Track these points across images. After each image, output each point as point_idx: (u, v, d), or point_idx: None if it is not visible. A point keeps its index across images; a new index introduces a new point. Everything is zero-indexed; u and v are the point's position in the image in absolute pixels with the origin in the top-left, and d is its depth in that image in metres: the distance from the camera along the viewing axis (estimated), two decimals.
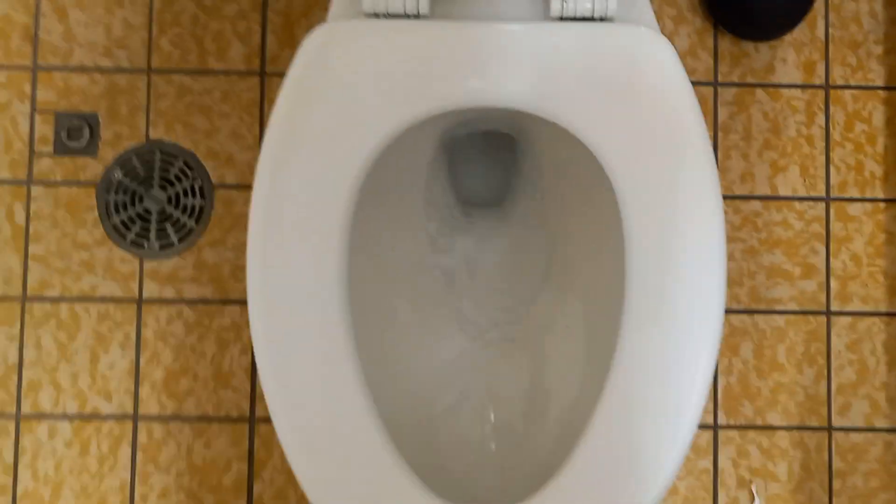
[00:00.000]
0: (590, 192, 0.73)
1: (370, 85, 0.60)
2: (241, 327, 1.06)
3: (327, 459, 0.58)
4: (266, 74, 1.09)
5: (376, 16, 0.61)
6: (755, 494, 1.03)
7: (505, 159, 0.86)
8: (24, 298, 1.06)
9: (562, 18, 0.61)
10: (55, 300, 1.06)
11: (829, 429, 1.04)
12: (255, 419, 1.04)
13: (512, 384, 0.76)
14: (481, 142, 0.84)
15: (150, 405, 1.05)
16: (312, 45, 0.60)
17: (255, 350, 0.60)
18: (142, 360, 1.05)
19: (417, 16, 0.61)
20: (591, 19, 0.61)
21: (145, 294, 1.06)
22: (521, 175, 0.86)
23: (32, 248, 1.06)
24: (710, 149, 0.60)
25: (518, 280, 0.82)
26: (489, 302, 0.79)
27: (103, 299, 1.06)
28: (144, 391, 1.05)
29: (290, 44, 1.09)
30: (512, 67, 0.60)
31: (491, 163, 0.86)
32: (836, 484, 1.03)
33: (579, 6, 0.60)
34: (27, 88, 1.08)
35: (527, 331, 0.77)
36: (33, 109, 1.08)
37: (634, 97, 0.60)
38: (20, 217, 1.07)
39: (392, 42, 0.60)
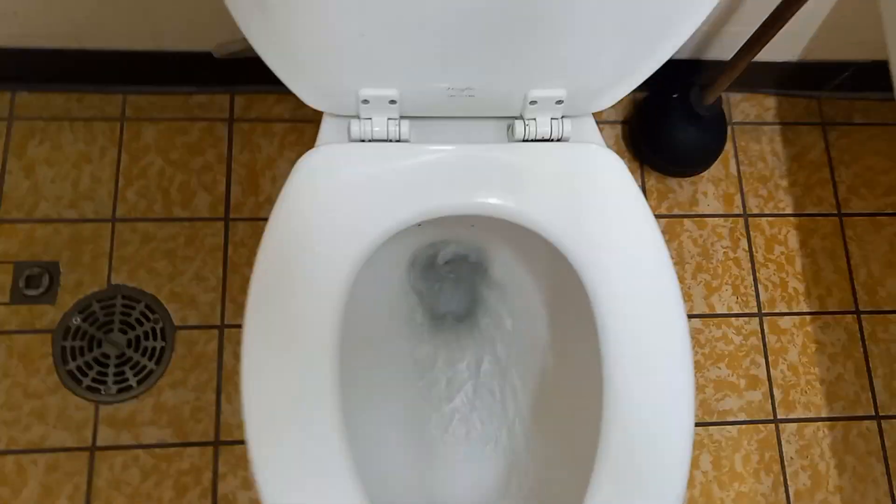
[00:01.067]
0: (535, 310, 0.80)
1: (357, 199, 0.66)
2: (201, 470, 1.03)
3: None
4: (230, 220, 1.14)
5: (362, 141, 0.68)
6: None
7: (466, 283, 0.92)
8: None
9: (524, 140, 0.70)
10: (0, 453, 1.01)
11: None
12: None
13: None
14: (446, 269, 0.90)
15: None
16: (304, 166, 0.66)
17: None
18: None
19: (398, 140, 0.68)
20: (550, 140, 0.70)
21: (99, 441, 1.03)
22: (480, 295, 0.91)
23: None
24: (665, 247, 0.68)
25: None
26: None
27: (53, 449, 1.02)
28: None
29: (254, 192, 1.15)
30: (484, 180, 0.68)
31: (454, 286, 0.91)
32: None
33: (540, 129, 0.69)
34: None
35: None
36: None
37: (593, 198, 0.68)
38: None
39: (377, 163, 0.67)
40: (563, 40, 0.59)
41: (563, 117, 0.69)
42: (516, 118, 0.70)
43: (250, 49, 0.89)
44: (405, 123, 0.68)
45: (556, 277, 0.78)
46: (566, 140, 0.70)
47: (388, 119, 0.67)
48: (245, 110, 1.19)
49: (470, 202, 0.68)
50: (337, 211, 0.65)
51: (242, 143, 1.17)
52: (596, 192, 0.68)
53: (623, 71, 0.65)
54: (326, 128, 0.70)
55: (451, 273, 0.88)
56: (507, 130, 0.72)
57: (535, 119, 0.69)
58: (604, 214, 0.67)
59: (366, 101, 0.66)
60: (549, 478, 0.78)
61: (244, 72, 1.16)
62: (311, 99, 0.67)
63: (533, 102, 0.67)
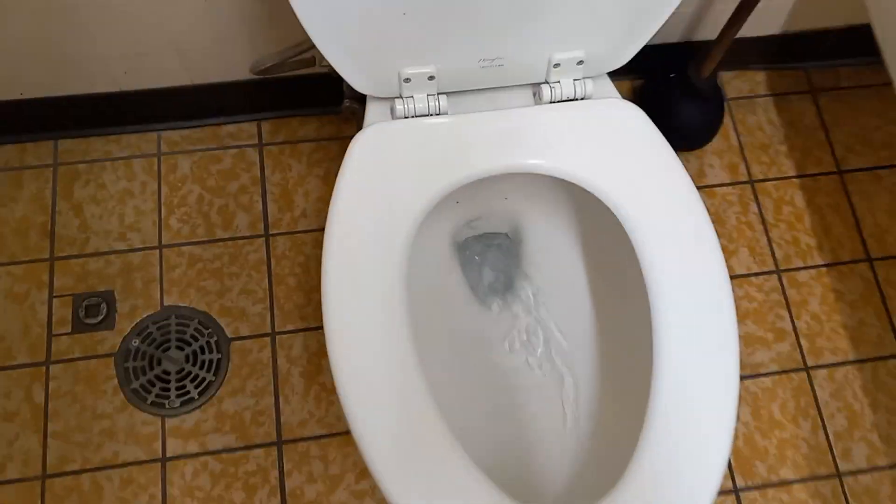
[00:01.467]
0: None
1: (408, 167, 0.73)
2: (268, 469, 1.07)
3: (401, 457, 0.63)
4: (270, 236, 1.21)
5: (405, 118, 0.76)
6: None
7: (506, 257, 0.98)
8: (44, 476, 1.05)
9: (552, 102, 0.78)
10: (76, 473, 1.06)
11: (839, 475, 1.10)
12: None
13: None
14: (485, 244, 0.96)
15: None
16: (358, 144, 0.73)
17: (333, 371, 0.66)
18: None
19: (438, 114, 0.76)
20: (574, 100, 0.78)
21: (168, 452, 1.08)
22: (520, 268, 0.97)
23: (52, 426, 1.08)
24: (696, 191, 0.75)
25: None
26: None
27: (126, 464, 1.07)
28: None
29: (290, 208, 1.22)
30: (521, 141, 0.75)
31: (494, 260, 0.97)
32: None
33: (565, 91, 0.77)
34: (45, 277, 1.16)
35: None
36: (51, 296, 1.15)
37: (621, 146, 0.75)
38: (39, 398, 1.10)
39: (421, 135, 0.75)
40: (580, 2, 0.67)
41: (584, 78, 0.77)
42: (541, 83, 0.78)
43: (284, 64, 0.97)
44: (443, 98, 0.76)
45: (592, 237, 0.85)
46: (590, 95, 0.78)
47: (428, 95, 0.75)
48: (272, 135, 1.27)
49: (510, 162, 0.75)
50: (392, 179, 0.72)
51: (273, 164, 1.25)
52: (623, 140, 0.75)
53: (635, 26, 0.73)
54: (372, 110, 0.77)
55: (490, 248, 0.95)
56: (534, 96, 0.80)
57: (559, 82, 0.76)
58: (633, 159, 0.75)
59: (407, 80, 0.74)
60: (603, 423, 0.83)
61: (269, 99, 1.24)
62: (359, 83, 0.74)
63: (556, 65, 0.75)
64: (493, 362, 0.87)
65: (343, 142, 1.18)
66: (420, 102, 0.75)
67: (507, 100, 0.79)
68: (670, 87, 1.21)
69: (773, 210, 1.24)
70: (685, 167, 1.24)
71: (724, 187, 1.25)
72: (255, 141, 1.26)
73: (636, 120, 0.77)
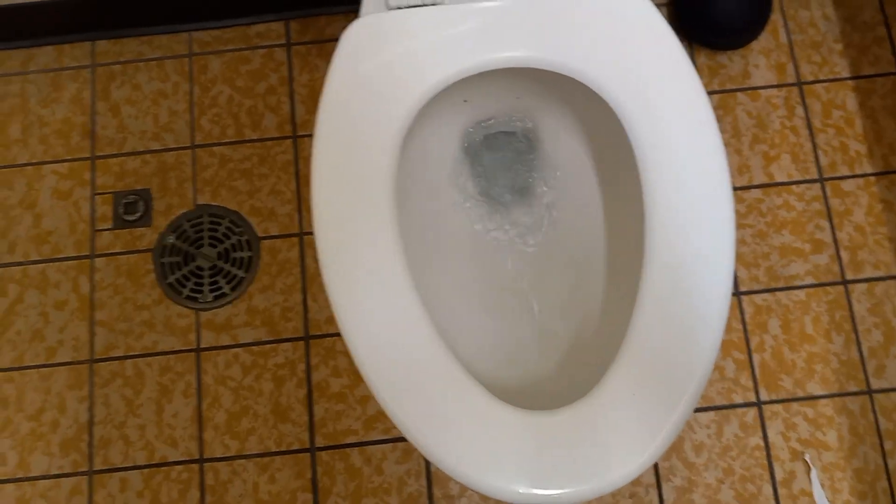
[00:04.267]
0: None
1: (402, 61, 0.71)
2: (295, 363, 1.12)
3: (395, 368, 0.64)
4: (297, 137, 1.21)
5: (399, 8, 0.74)
6: (810, 465, 1.05)
7: (520, 157, 0.96)
8: (92, 361, 1.13)
9: None
10: (120, 359, 1.13)
11: (870, 392, 1.07)
12: (315, 449, 1.08)
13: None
14: (498, 142, 0.94)
15: (214, 448, 1.09)
16: (350, 35, 0.72)
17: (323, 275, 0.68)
18: (203, 406, 1.11)
19: (434, 3, 0.73)
20: None
21: (203, 343, 1.13)
22: (532, 163, 0.95)
23: (98, 315, 1.15)
24: (697, 77, 0.71)
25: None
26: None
27: (164, 352, 1.13)
28: (208, 435, 1.09)
29: (316, 107, 1.22)
30: (521, 33, 0.72)
31: (508, 161, 0.96)
32: (888, 445, 1.05)
33: None
34: (87, 176, 1.21)
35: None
36: (93, 193, 1.20)
37: (624, 38, 0.71)
38: (85, 288, 1.16)
39: (415, 27, 0.72)
40: None
41: None
42: None
43: None
44: None
45: (602, 133, 0.82)
46: None
47: None
48: (300, 34, 1.25)
49: (506, 55, 0.72)
50: (383, 72, 0.71)
51: (301, 64, 1.24)
52: (625, 30, 0.71)
53: None
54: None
55: (503, 148, 0.93)
56: None
57: None
58: (635, 51, 0.71)
59: None
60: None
61: None
62: None
63: None
64: (499, 257, 0.87)
65: None
66: None
67: None
68: None
69: (822, 114, 1.17)
70: (728, 67, 1.18)
71: (769, 89, 1.18)
72: (283, 41, 1.25)
73: (642, 9, 0.72)
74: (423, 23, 0.73)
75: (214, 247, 1.17)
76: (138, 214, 1.19)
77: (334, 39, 1.24)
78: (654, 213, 0.69)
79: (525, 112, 0.88)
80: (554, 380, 0.80)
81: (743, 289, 1.12)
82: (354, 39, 0.72)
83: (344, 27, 1.23)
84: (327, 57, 1.24)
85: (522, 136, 0.94)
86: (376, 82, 0.71)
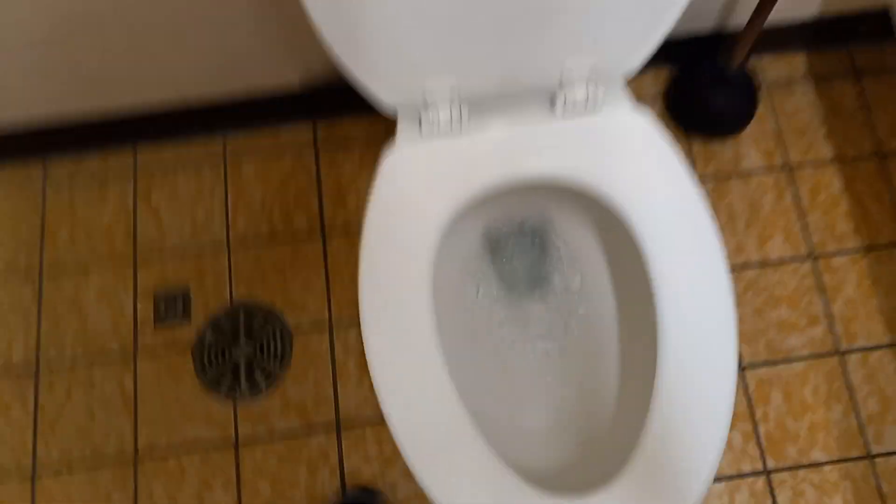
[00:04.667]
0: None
1: (434, 182, 0.82)
2: (328, 451, 1.19)
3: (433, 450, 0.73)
4: (326, 236, 1.31)
5: (430, 134, 0.84)
6: None
7: (537, 255, 1.05)
8: (136, 458, 1.21)
9: (565, 110, 0.84)
10: (163, 454, 1.20)
11: (870, 456, 1.14)
12: None
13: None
14: (517, 241, 1.04)
15: None
16: (388, 165, 0.83)
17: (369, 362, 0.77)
18: (243, 499, 1.18)
19: (461, 128, 0.84)
20: (587, 107, 0.84)
21: (241, 436, 1.21)
22: (549, 262, 1.04)
23: (141, 412, 1.23)
24: (700, 194, 0.81)
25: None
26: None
27: (205, 447, 1.20)
28: None
29: (343, 206, 1.32)
30: (535, 155, 0.83)
31: (526, 256, 1.05)
32: None
33: (578, 97, 0.83)
34: (130, 277, 1.30)
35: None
36: (136, 294, 1.29)
37: (630, 154, 0.82)
38: (129, 386, 1.24)
39: (444, 155, 0.83)
40: (587, 10, 0.73)
41: (597, 84, 0.83)
42: (556, 89, 0.84)
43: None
44: (465, 107, 0.83)
45: (613, 239, 0.91)
46: (601, 105, 0.84)
47: (450, 103, 0.82)
48: (327, 137, 1.36)
49: (526, 175, 0.82)
50: (417, 196, 0.81)
51: (328, 165, 1.34)
52: (631, 149, 0.82)
53: (643, 31, 0.77)
54: (402, 119, 0.86)
55: (521, 245, 1.02)
56: (549, 103, 0.86)
57: (572, 88, 0.82)
58: (641, 168, 0.81)
59: (430, 91, 0.81)
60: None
61: (323, 103, 1.33)
62: (385, 96, 0.82)
63: (568, 72, 0.81)
64: (522, 351, 0.95)
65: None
66: (443, 111, 0.83)
67: (523, 108, 0.85)
68: (703, 75, 1.23)
69: (810, 195, 1.26)
70: (721, 154, 1.28)
71: (760, 173, 1.28)
72: (311, 143, 1.36)
73: (646, 129, 0.82)
74: (452, 149, 0.83)
75: (250, 340, 1.26)
76: (178, 312, 1.28)
77: (358, 140, 1.35)
78: (665, 319, 0.78)
79: (540, 214, 0.98)
80: (569, 469, 0.87)
81: (745, 363, 1.19)
82: (392, 164, 0.83)
83: (367, 130, 1.36)
84: (352, 158, 1.35)
85: (539, 234, 1.03)
86: (411, 207, 0.81)
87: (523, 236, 1.03)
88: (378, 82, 0.80)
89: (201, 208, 1.34)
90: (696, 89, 1.25)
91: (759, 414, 1.17)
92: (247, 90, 1.27)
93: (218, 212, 1.33)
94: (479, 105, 0.85)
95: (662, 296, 0.79)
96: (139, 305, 1.29)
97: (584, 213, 0.93)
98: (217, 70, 1.20)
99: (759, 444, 1.16)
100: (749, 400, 1.17)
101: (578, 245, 1.00)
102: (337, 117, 1.37)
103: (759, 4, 1.07)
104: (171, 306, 1.28)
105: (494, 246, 1.03)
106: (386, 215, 0.82)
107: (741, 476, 1.14)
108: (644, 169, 0.82)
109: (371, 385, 1.22)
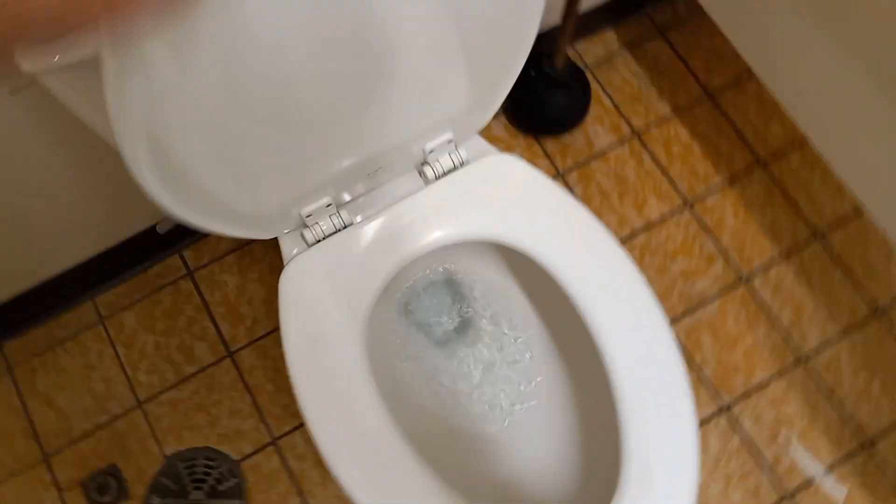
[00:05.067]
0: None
1: (341, 281, 0.80)
2: None
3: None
4: (233, 353, 1.26)
5: (317, 241, 0.82)
6: (789, 439, 1.18)
7: (450, 302, 1.06)
8: None
9: (437, 178, 0.85)
10: None
11: (804, 358, 1.22)
12: None
13: None
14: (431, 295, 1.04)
15: None
16: (286, 281, 0.80)
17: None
18: None
19: (344, 227, 0.83)
20: (455, 169, 0.85)
21: None
22: (462, 310, 1.06)
23: None
24: (588, 212, 0.84)
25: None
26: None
27: None
28: None
29: (240, 321, 1.27)
30: (424, 223, 0.82)
31: (441, 306, 1.05)
32: (840, 392, 1.20)
33: (445, 165, 0.84)
34: (47, 476, 1.20)
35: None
36: (60, 491, 1.19)
37: (512, 199, 0.83)
38: None
39: (338, 252, 0.81)
40: (429, 93, 0.74)
41: (457, 147, 0.84)
42: (423, 164, 0.85)
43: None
44: (343, 212, 0.82)
45: (525, 274, 0.93)
46: (467, 162, 0.85)
47: (330, 216, 0.82)
48: (197, 259, 1.31)
49: (422, 244, 0.82)
50: (327, 300, 0.79)
51: (209, 284, 1.29)
52: (510, 189, 0.83)
53: (487, 94, 0.80)
54: (286, 243, 0.84)
55: (433, 297, 1.02)
56: (420, 176, 0.87)
57: (437, 159, 0.84)
58: (525, 205, 0.83)
59: (309, 215, 0.80)
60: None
61: (182, 231, 1.28)
62: (265, 234, 0.81)
63: (429, 151, 0.82)
64: (463, 402, 0.95)
65: (261, 240, 1.24)
66: (325, 224, 0.82)
67: (398, 189, 0.85)
68: (534, 82, 1.28)
69: (664, 152, 1.34)
70: (573, 144, 1.33)
71: (615, 148, 1.35)
72: (184, 272, 1.30)
73: (516, 168, 0.84)
74: (343, 245, 0.82)
75: (200, 489, 1.19)
76: (114, 492, 1.19)
77: (231, 251, 1.31)
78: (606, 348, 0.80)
79: (447, 266, 0.99)
80: None
81: (669, 319, 1.25)
82: (292, 280, 0.80)
83: (231, 240, 1.32)
84: (230, 269, 1.30)
85: (449, 282, 1.04)
86: (324, 314, 0.79)
87: (433, 287, 1.03)
88: (251, 231, 0.79)
89: (96, 377, 1.25)
90: (532, 97, 1.30)
91: (698, 360, 1.23)
92: (99, 246, 1.20)
93: (115, 374, 1.25)
94: (356, 200, 0.86)
95: (594, 324, 0.81)
96: (69, 502, 1.19)
97: (487, 254, 0.95)
98: (64, 237, 1.13)
99: (709, 387, 1.21)
100: (685, 350, 1.23)
101: (486, 280, 1.01)
102: (200, 237, 1.32)
103: (567, 3, 1.12)
104: (104, 489, 1.19)
105: (407, 308, 1.03)
106: (304, 331, 0.80)
107: (704, 423, 1.20)
108: (526, 201, 0.84)
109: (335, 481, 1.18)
